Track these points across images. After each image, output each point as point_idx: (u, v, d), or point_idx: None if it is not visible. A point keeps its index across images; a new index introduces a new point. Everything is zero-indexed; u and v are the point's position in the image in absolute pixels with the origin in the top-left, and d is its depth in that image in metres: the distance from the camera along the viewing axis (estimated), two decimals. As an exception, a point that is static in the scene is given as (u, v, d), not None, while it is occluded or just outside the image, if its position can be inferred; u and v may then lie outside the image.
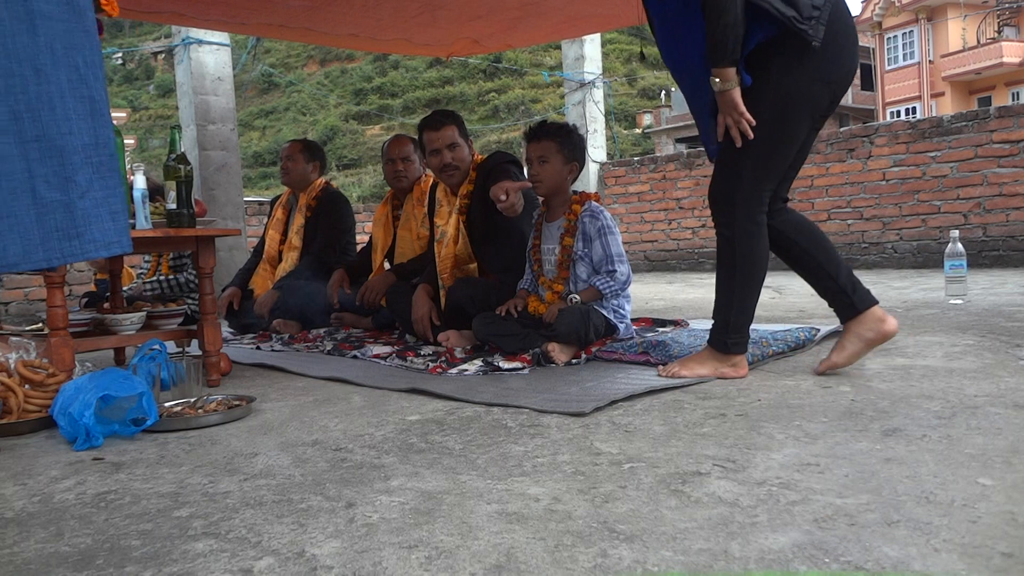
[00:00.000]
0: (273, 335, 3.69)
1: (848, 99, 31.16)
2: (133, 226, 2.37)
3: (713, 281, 2.33)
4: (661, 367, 2.27)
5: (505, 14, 4.00)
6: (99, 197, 1.50)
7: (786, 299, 4.43)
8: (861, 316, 2.13)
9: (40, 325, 2.90)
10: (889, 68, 25.96)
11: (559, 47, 8.30)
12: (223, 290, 4.09)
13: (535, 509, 1.22)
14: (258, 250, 4.23)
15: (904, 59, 25.52)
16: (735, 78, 1.99)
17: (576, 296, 2.72)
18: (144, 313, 2.70)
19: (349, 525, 1.19)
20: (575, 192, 2.87)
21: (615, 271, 2.73)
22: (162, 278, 4.04)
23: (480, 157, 3.15)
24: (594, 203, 2.81)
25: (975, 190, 6.07)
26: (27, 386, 2.08)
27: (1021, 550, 0.99)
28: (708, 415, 1.76)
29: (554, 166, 2.76)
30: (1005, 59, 23.19)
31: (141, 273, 4.34)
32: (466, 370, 2.47)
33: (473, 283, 2.98)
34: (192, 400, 2.10)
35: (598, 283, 2.73)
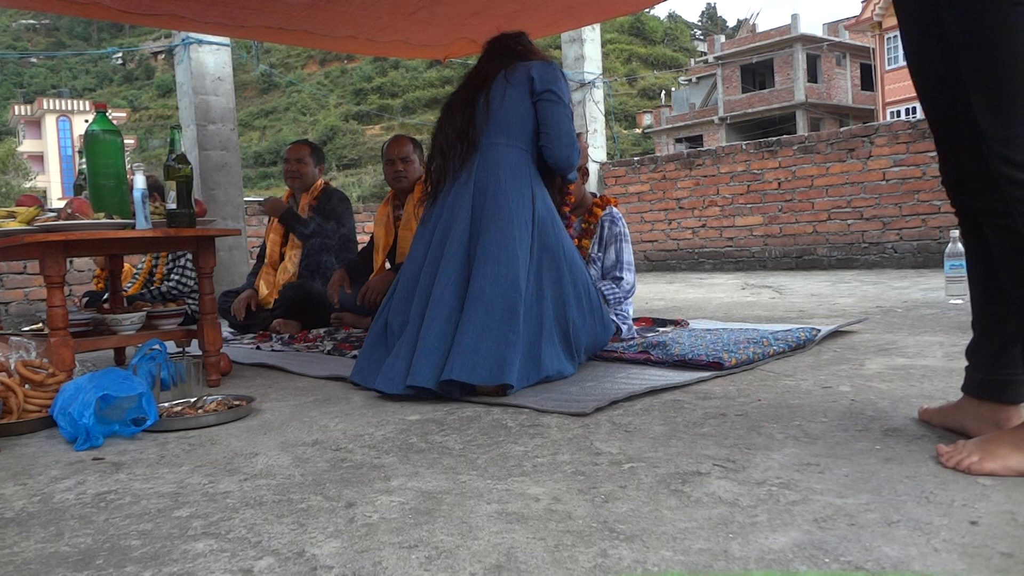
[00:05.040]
0: (273, 335, 3.70)
1: (848, 99, 31.21)
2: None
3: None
4: (947, 457, 1.33)
5: (503, 8, 3.99)
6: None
7: (786, 299, 4.43)
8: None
9: (40, 325, 2.90)
10: (889, 68, 25.94)
11: (559, 47, 8.30)
12: (237, 293, 4.09)
13: (535, 509, 1.22)
14: (261, 254, 4.23)
15: (904, 59, 25.50)
16: None
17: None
18: (144, 313, 2.70)
19: (349, 525, 1.19)
20: (594, 195, 2.91)
21: (622, 278, 2.76)
22: (152, 289, 4.05)
23: None
24: (614, 209, 2.86)
25: (975, 190, 6.06)
26: (27, 386, 2.08)
27: (1021, 550, 0.99)
28: (708, 415, 1.76)
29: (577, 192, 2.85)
30: (1005, 59, 23.14)
31: (137, 274, 4.33)
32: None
33: None
34: (192, 400, 2.10)
35: (604, 288, 2.74)
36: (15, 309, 5.26)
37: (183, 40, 5.54)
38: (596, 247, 2.81)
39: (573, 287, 2.27)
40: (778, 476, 1.31)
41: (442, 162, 2.41)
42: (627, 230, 2.86)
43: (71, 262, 5.37)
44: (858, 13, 27.25)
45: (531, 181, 2.33)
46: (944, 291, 3.83)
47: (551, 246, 2.27)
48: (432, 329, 2.10)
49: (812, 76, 30.66)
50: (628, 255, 2.81)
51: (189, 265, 4.04)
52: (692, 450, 1.49)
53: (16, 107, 43.87)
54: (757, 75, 32.37)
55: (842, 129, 7.00)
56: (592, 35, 7.89)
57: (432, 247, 2.30)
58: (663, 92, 43.62)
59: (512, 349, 2.05)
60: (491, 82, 2.40)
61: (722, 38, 36.55)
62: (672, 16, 62.81)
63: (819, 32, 31.93)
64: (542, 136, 2.41)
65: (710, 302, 4.51)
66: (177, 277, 4.04)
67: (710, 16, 67.61)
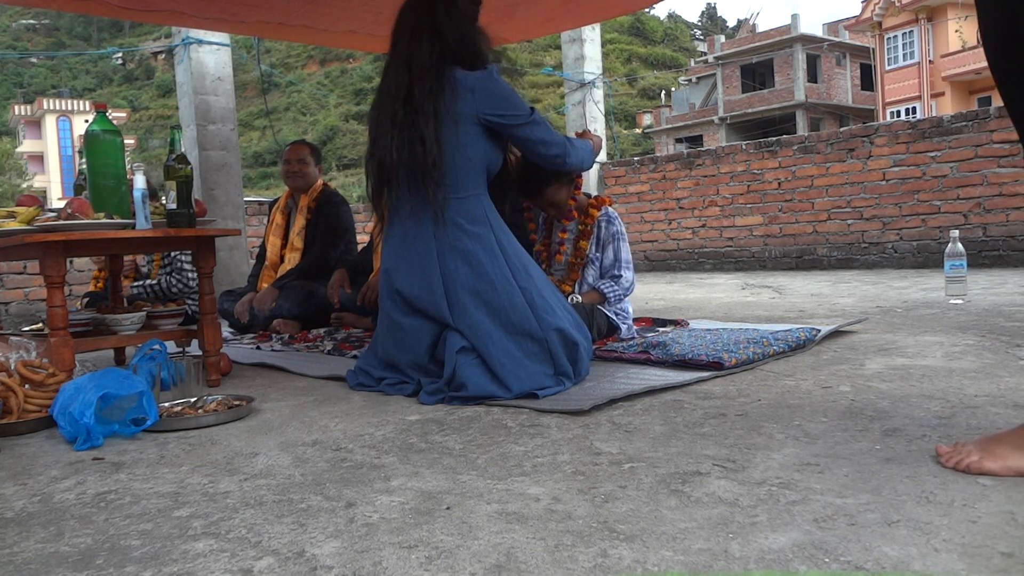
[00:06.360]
0: (273, 335, 3.69)
1: (848, 99, 31.21)
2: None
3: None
4: (946, 457, 1.32)
5: (501, 1, 3.98)
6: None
7: (786, 299, 4.43)
8: None
9: (40, 325, 2.90)
10: (889, 68, 25.94)
11: (559, 47, 8.30)
12: (239, 296, 4.08)
13: (535, 509, 1.22)
14: (260, 256, 4.23)
15: (904, 59, 25.50)
16: None
17: (577, 297, 2.73)
18: (144, 313, 2.70)
19: (349, 525, 1.19)
20: (589, 196, 2.91)
21: (621, 276, 2.77)
22: (151, 282, 4.04)
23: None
24: (610, 209, 2.86)
25: (975, 190, 6.06)
26: (27, 386, 2.08)
27: (1021, 550, 0.99)
28: (708, 415, 1.76)
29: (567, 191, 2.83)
30: (1005, 59, 23.09)
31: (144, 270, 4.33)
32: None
33: None
34: (192, 400, 2.10)
35: (603, 287, 2.75)
36: (15, 309, 5.26)
37: (183, 40, 5.54)
38: (594, 247, 2.81)
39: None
40: (778, 476, 1.31)
41: (387, 195, 2.30)
42: (624, 229, 2.86)
43: (71, 262, 5.37)
44: (858, 13, 27.26)
45: (495, 232, 2.23)
46: (944, 291, 3.83)
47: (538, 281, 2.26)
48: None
49: (812, 76, 30.66)
50: (626, 253, 2.82)
51: (187, 265, 4.04)
52: (692, 450, 1.49)
53: (16, 107, 43.88)
54: (757, 75, 32.37)
55: (842, 129, 7.00)
56: (592, 35, 7.89)
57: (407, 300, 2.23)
58: (663, 92, 43.63)
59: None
60: (440, 110, 2.15)
61: (722, 38, 36.55)
62: (672, 16, 62.83)
63: (819, 32, 31.92)
64: (534, 158, 2.33)
65: (710, 302, 4.51)
66: (178, 277, 4.04)
67: (710, 16, 67.61)
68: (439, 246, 2.18)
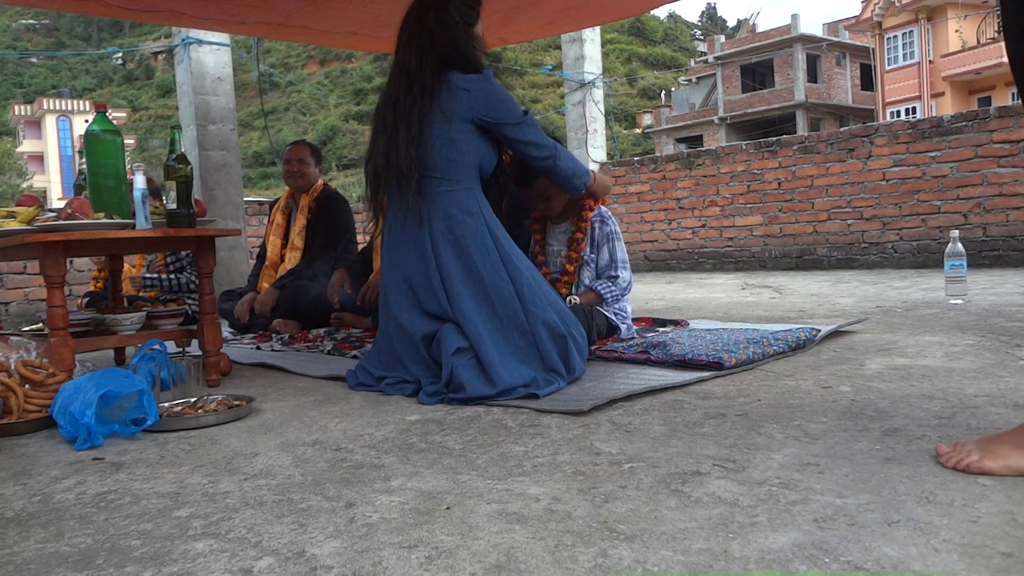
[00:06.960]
0: (273, 335, 3.70)
1: (848, 99, 31.20)
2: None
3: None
4: (946, 457, 1.32)
5: (502, 3, 3.98)
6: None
7: (786, 299, 4.43)
8: None
9: (40, 325, 2.90)
10: (889, 68, 25.92)
11: (559, 47, 8.30)
12: (239, 296, 4.08)
13: (535, 509, 1.22)
14: (261, 256, 4.23)
15: (904, 59, 25.49)
16: None
17: (575, 298, 2.73)
18: (144, 313, 2.70)
19: (349, 525, 1.19)
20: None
21: (618, 276, 2.76)
22: (161, 276, 4.04)
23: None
24: (604, 208, 2.85)
25: (975, 190, 6.06)
26: (27, 386, 2.08)
27: (1021, 550, 0.99)
28: (708, 415, 1.76)
29: (560, 198, 2.80)
30: (1005, 59, 23.10)
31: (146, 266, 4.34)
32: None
33: None
34: (192, 400, 2.10)
35: (600, 288, 2.74)
36: (15, 309, 5.26)
37: (183, 40, 5.54)
38: (588, 249, 2.80)
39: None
40: (778, 476, 1.31)
41: (379, 194, 2.37)
42: (618, 228, 2.84)
43: (71, 262, 5.37)
44: (858, 13, 27.25)
45: (488, 224, 2.26)
46: (944, 291, 3.83)
47: (528, 274, 2.27)
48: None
49: (812, 76, 30.66)
50: (621, 253, 2.80)
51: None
52: (692, 450, 1.49)
53: (16, 107, 43.88)
54: (757, 75, 32.37)
55: (842, 129, 7.00)
56: (592, 35, 7.89)
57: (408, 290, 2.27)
58: (663, 92, 43.64)
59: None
60: (427, 112, 2.22)
61: (722, 38, 36.55)
62: (672, 16, 62.79)
63: (819, 32, 31.92)
64: (525, 159, 2.39)
65: (710, 302, 4.51)
66: (189, 274, 4.05)
67: (710, 16, 67.61)
68: (432, 239, 2.22)
